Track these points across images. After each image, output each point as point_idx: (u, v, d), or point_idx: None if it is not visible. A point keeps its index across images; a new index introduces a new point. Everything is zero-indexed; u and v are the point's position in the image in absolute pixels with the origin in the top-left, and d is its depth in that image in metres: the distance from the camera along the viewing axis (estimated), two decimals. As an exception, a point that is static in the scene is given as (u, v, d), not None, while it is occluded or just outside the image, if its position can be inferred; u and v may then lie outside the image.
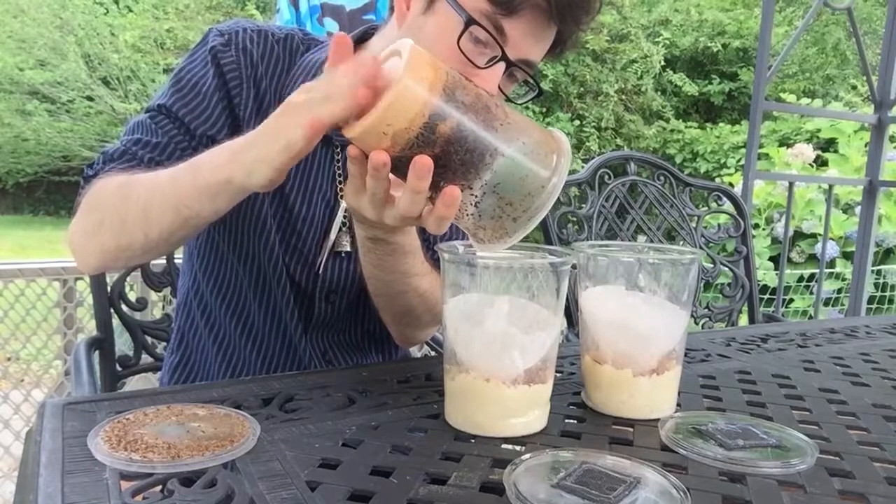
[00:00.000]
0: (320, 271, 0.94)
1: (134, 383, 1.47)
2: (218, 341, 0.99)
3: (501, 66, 0.79)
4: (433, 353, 1.35)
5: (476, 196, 0.62)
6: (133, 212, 0.78)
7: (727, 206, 1.66)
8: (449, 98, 0.60)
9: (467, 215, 0.64)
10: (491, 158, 0.61)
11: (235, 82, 0.89)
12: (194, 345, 1.02)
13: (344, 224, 0.94)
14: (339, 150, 0.93)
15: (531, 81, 0.85)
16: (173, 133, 0.87)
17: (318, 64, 0.91)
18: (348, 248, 0.95)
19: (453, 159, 0.60)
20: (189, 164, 0.74)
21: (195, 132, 0.88)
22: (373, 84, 0.60)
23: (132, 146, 0.87)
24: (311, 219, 0.93)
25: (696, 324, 1.58)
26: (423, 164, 0.59)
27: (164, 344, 1.19)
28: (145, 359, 1.19)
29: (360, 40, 0.94)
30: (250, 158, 0.66)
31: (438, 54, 0.64)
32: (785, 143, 6.89)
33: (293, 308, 0.96)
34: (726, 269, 1.63)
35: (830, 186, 2.78)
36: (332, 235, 0.94)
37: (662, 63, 9.63)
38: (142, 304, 1.20)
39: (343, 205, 0.93)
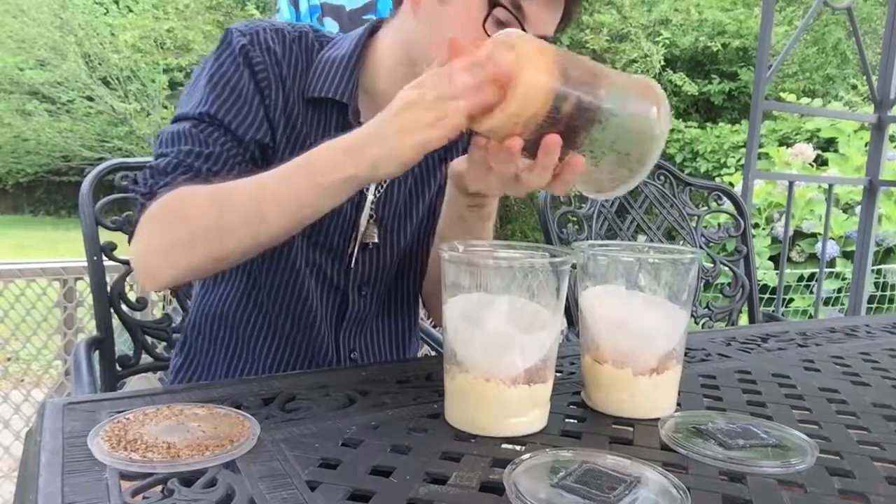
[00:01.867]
0: (352, 265, 0.95)
1: (134, 383, 1.47)
2: (230, 348, 0.99)
3: None
4: (433, 353, 1.35)
5: (597, 156, 0.68)
6: (237, 219, 0.76)
7: (727, 205, 1.66)
8: (565, 78, 0.65)
9: (589, 171, 0.70)
10: (606, 121, 0.67)
11: (265, 83, 0.87)
12: (200, 351, 1.02)
13: (371, 216, 0.94)
14: None
15: None
16: (223, 141, 0.85)
17: (338, 60, 0.91)
18: (376, 240, 0.95)
19: (576, 130, 0.67)
20: (296, 167, 0.74)
21: (243, 138, 0.86)
22: (500, 81, 0.65)
23: (185, 158, 0.83)
24: (338, 213, 0.92)
25: (696, 323, 1.58)
26: (553, 142, 0.66)
27: (164, 344, 1.20)
28: (145, 359, 1.19)
29: (369, 35, 0.94)
30: (376, 154, 0.69)
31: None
32: (785, 142, 6.88)
33: (326, 305, 0.96)
34: (726, 268, 1.63)
35: (830, 186, 2.78)
36: (361, 227, 0.94)
37: (662, 63, 9.61)
38: (142, 304, 1.20)
39: (370, 197, 0.94)
